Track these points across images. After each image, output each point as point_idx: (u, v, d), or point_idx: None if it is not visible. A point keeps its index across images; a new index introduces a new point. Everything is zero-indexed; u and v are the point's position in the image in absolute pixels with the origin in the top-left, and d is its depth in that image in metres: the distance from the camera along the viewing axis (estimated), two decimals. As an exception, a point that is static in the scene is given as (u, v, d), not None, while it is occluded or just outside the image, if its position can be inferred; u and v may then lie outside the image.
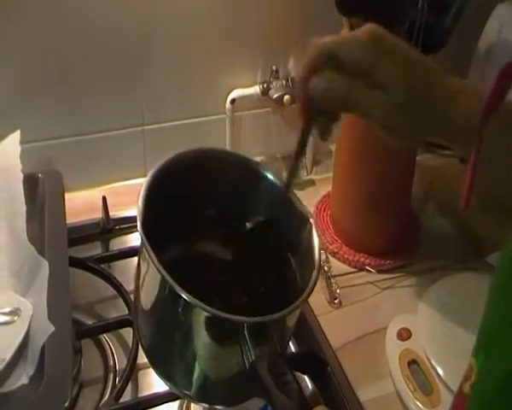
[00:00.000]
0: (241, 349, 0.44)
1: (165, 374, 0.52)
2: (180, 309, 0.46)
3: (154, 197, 0.50)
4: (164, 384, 0.63)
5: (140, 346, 0.54)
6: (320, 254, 0.51)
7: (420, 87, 0.45)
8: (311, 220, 0.53)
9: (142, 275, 0.51)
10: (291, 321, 0.51)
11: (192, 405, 0.61)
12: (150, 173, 0.52)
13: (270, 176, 0.56)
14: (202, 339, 0.47)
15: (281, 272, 0.56)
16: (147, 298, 0.51)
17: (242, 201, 0.57)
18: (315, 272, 0.49)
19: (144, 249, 0.46)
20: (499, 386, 0.31)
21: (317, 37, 0.48)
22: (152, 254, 0.45)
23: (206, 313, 0.44)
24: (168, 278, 0.44)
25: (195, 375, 0.50)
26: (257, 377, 0.43)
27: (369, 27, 0.46)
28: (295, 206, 0.55)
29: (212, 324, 0.45)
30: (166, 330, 0.50)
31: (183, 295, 0.44)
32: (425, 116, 0.46)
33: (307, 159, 0.95)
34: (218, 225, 0.58)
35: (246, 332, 0.44)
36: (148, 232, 0.47)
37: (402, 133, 0.47)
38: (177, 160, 0.54)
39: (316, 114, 0.49)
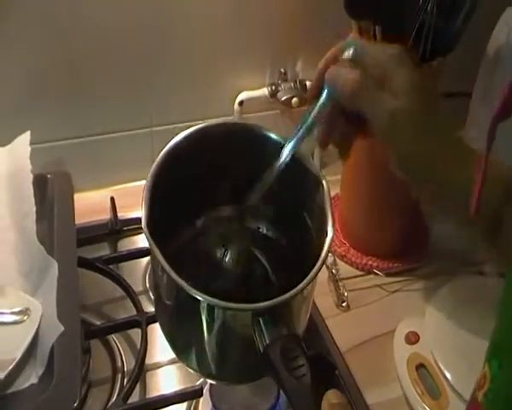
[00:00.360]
0: (255, 335, 0.44)
1: (183, 358, 0.53)
2: (192, 305, 0.46)
3: (161, 187, 0.50)
4: (172, 385, 0.64)
5: (163, 334, 0.54)
6: (333, 219, 0.50)
7: (432, 117, 0.46)
8: (324, 182, 0.52)
9: (155, 270, 0.51)
10: (305, 299, 0.50)
11: (200, 406, 0.62)
12: (153, 166, 0.52)
13: (275, 137, 0.56)
14: (217, 329, 0.47)
15: (299, 232, 0.56)
16: (163, 292, 0.51)
17: (253, 167, 0.55)
18: (326, 247, 0.48)
19: (152, 251, 0.46)
20: (511, 401, 0.31)
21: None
22: (161, 258, 0.45)
23: (217, 307, 0.45)
24: (176, 277, 0.44)
25: (212, 358, 0.50)
26: (269, 362, 0.43)
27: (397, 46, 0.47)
28: (307, 166, 0.54)
29: (224, 315, 0.46)
30: (183, 323, 0.50)
31: (196, 295, 0.44)
32: (426, 145, 0.46)
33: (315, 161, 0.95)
34: (232, 195, 0.58)
35: (259, 318, 0.44)
36: (155, 225, 0.47)
37: (402, 152, 0.47)
38: (183, 141, 0.54)
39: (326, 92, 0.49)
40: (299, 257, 0.56)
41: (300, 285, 0.45)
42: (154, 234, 0.47)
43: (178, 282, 0.44)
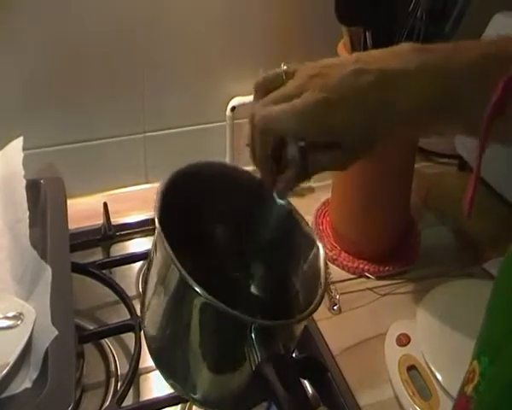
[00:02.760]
0: (247, 351, 0.45)
1: (170, 376, 0.52)
2: (188, 302, 0.46)
3: (168, 202, 0.51)
4: (165, 389, 0.64)
5: (147, 348, 0.54)
6: (326, 272, 0.52)
7: (363, 100, 0.44)
8: (320, 245, 0.53)
9: (151, 269, 0.51)
10: (298, 330, 0.51)
11: (194, 408, 0.62)
12: (168, 176, 0.52)
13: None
14: (209, 337, 0.47)
15: (283, 292, 0.57)
16: (155, 295, 0.51)
17: (252, 219, 0.57)
18: (320, 291, 0.50)
19: (159, 239, 0.46)
20: (505, 391, 0.32)
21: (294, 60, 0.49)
22: (167, 245, 0.45)
23: (214, 307, 0.45)
24: (181, 268, 0.44)
25: (201, 378, 0.50)
26: (263, 377, 0.43)
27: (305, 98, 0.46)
28: (302, 228, 0.55)
29: (220, 320, 0.46)
30: (174, 327, 0.50)
31: (196, 288, 0.44)
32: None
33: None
34: (225, 241, 0.59)
35: (253, 333, 0.45)
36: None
37: (370, 144, 0.47)
38: (194, 169, 0.55)
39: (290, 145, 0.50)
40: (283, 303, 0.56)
41: (301, 316, 0.47)
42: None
43: (180, 269, 0.44)
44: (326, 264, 0.52)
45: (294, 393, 0.43)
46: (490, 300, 0.36)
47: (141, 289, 0.76)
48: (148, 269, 0.53)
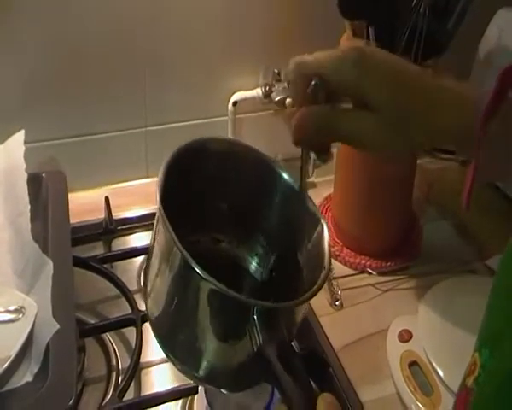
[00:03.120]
0: (249, 332, 0.44)
1: (173, 354, 0.52)
2: (191, 284, 0.46)
3: (171, 179, 0.49)
4: (166, 383, 0.64)
5: (149, 323, 0.53)
6: (330, 252, 0.50)
7: (408, 103, 0.44)
8: (324, 223, 0.53)
9: (154, 248, 0.50)
10: (300, 312, 0.50)
11: (194, 403, 0.62)
12: (171, 154, 0.50)
13: (285, 176, 0.56)
14: (211, 318, 0.47)
15: (288, 268, 0.56)
16: (159, 274, 0.50)
17: (257, 197, 0.56)
18: (324, 272, 0.48)
19: (161, 219, 0.45)
20: (503, 383, 0.32)
21: (297, 55, 0.47)
22: (169, 227, 0.44)
23: (217, 290, 0.44)
24: (183, 250, 0.44)
25: (203, 357, 0.49)
26: (265, 359, 0.43)
27: (353, 45, 0.46)
28: (307, 206, 0.54)
29: (222, 302, 0.45)
30: (177, 307, 0.49)
31: (199, 271, 0.43)
32: (416, 131, 0.45)
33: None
34: (229, 219, 0.58)
35: (255, 315, 0.44)
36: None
37: (395, 150, 0.46)
38: (201, 145, 0.54)
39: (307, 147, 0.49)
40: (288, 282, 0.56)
41: (302, 298, 0.46)
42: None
43: (185, 254, 0.43)
44: (330, 245, 0.51)
45: (296, 375, 0.43)
46: (491, 293, 0.36)
47: (142, 284, 0.76)
48: (152, 248, 0.52)
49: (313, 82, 0.46)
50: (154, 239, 0.51)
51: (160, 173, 0.48)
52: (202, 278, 0.43)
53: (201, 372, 0.51)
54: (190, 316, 0.48)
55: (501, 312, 0.34)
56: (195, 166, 0.53)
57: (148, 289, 0.53)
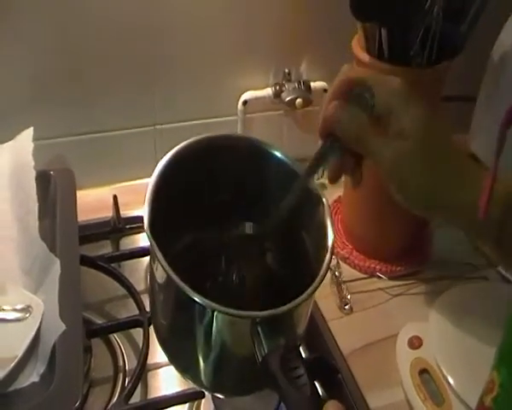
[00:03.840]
0: (254, 343, 0.44)
1: (179, 366, 0.53)
2: (190, 309, 0.46)
3: (164, 191, 0.50)
4: (173, 386, 0.63)
5: (156, 339, 0.54)
6: (333, 237, 0.50)
7: (436, 147, 0.45)
8: (325, 201, 0.53)
9: (154, 272, 0.51)
10: (304, 310, 0.50)
11: (201, 407, 0.61)
12: (157, 169, 0.52)
13: (279, 154, 0.56)
14: (214, 335, 0.47)
15: (296, 251, 0.55)
16: (160, 295, 0.51)
17: (255, 182, 0.57)
18: (327, 257, 0.48)
19: (153, 251, 0.46)
20: None
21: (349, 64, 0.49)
22: (161, 257, 0.45)
23: (216, 312, 0.44)
24: (177, 279, 0.44)
25: (209, 368, 0.50)
26: (269, 372, 0.43)
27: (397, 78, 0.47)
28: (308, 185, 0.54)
29: (223, 321, 0.46)
30: (180, 327, 0.50)
31: (195, 298, 0.43)
32: (433, 177, 0.45)
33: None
34: (232, 210, 0.58)
35: (258, 327, 0.44)
36: (157, 227, 0.47)
37: (409, 188, 0.46)
38: (185, 150, 0.54)
39: (330, 139, 0.49)
40: (295, 272, 0.56)
41: (300, 298, 0.45)
42: (155, 236, 0.47)
43: (178, 283, 0.44)
44: (332, 222, 0.51)
45: (300, 387, 0.42)
46: (509, 312, 0.35)
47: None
48: (151, 269, 0.52)
49: (359, 90, 0.47)
50: (152, 266, 0.51)
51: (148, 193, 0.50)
52: (198, 303, 0.44)
53: (203, 380, 0.51)
54: (191, 332, 0.48)
55: None
56: (189, 166, 0.54)
57: (154, 307, 0.53)
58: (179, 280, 0.44)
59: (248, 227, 0.60)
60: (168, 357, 0.53)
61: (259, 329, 0.44)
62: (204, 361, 0.49)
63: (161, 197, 0.50)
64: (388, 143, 0.45)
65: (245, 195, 0.57)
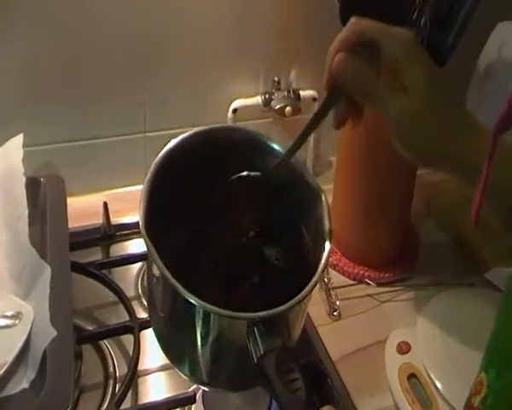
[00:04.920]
0: (250, 344, 0.44)
1: (175, 361, 0.53)
2: (187, 309, 0.46)
3: (160, 184, 0.50)
4: (164, 392, 0.64)
5: (153, 332, 0.54)
6: (331, 234, 0.50)
7: (441, 102, 0.46)
8: (323, 196, 0.52)
9: (151, 270, 0.51)
10: (300, 311, 0.50)
11: (193, 413, 0.61)
12: (152, 166, 0.51)
13: (276, 147, 0.55)
14: (210, 334, 0.47)
15: (296, 247, 0.55)
16: (157, 294, 0.51)
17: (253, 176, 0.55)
18: (324, 256, 0.48)
19: (149, 251, 0.46)
20: None
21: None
22: (157, 257, 0.45)
23: (211, 313, 0.44)
24: (173, 280, 0.44)
25: (205, 364, 0.50)
26: (264, 373, 0.43)
27: (408, 32, 0.46)
28: (306, 179, 0.54)
29: (219, 322, 0.46)
30: (176, 325, 0.50)
31: (190, 299, 0.44)
32: (439, 133, 0.46)
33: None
34: (229, 202, 0.57)
35: (254, 327, 0.44)
36: (152, 222, 0.47)
37: (413, 143, 0.46)
38: (181, 144, 0.54)
39: (336, 91, 0.48)
40: (293, 270, 0.56)
41: (298, 297, 0.45)
42: (151, 236, 0.46)
43: (175, 286, 0.44)
44: (330, 216, 0.51)
45: (294, 390, 0.42)
46: (498, 313, 0.36)
47: (140, 291, 0.76)
48: (148, 266, 0.52)
49: (366, 42, 0.46)
50: (149, 267, 0.51)
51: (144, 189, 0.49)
52: (194, 304, 0.44)
53: (202, 377, 0.51)
54: (188, 333, 0.48)
55: (508, 331, 0.34)
56: (187, 160, 0.53)
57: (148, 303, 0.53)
58: (175, 282, 0.44)
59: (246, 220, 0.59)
60: (164, 351, 0.53)
61: (255, 329, 0.44)
62: (200, 358, 0.49)
63: (157, 191, 0.50)
64: (394, 97, 0.45)
65: (242, 187, 0.56)
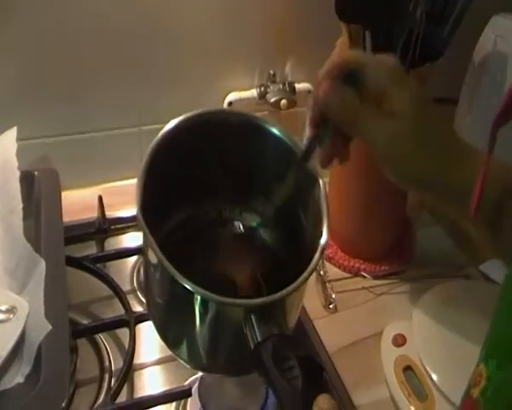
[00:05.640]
0: (246, 331, 0.44)
1: (172, 346, 0.52)
2: (183, 295, 0.45)
3: (157, 167, 0.49)
4: (159, 386, 0.64)
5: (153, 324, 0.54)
6: (328, 220, 0.49)
7: (429, 126, 0.46)
8: (321, 182, 0.51)
9: (147, 256, 0.50)
10: (297, 298, 0.50)
11: (188, 406, 0.61)
12: (148, 150, 0.50)
13: (276, 131, 0.54)
14: (207, 321, 0.47)
15: (294, 233, 0.55)
16: (154, 280, 0.51)
17: (251, 158, 0.56)
18: (321, 244, 0.48)
19: (145, 237, 0.45)
20: None
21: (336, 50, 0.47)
22: (153, 243, 0.44)
23: (209, 300, 0.44)
24: (169, 265, 0.43)
25: (202, 349, 0.50)
26: (260, 361, 0.43)
27: (392, 58, 0.47)
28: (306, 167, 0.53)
29: (216, 308, 0.45)
30: (173, 311, 0.50)
31: (188, 286, 0.43)
32: (428, 158, 0.45)
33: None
34: (227, 187, 0.57)
35: (251, 314, 0.44)
36: (148, 207, 0.46)
37: (403, 169, 0.46)
38: (176, 129, 0.52)
39: (322, 122, 0.48)
40: (291, 256, 0.55)
41: (295, 284, 0.45)
42: (147, 221, 0.46)
43: (172, 272, 0.43)
44: (327, 204, 0.50)
45: (291, 379, 0.42)
46: (497, 303, 0.36)
47: (135, 284, 0.75)
48: (144, 251, 0.51)
49: (351, 70, 0.47)
50: (145, 253, 0.50)
51: (141, 171, 0.48)
52: (197, 293, 0.43)
53: (199, 362, 0.51)
54: (185, 319, 0.48)
55: (510, 323, 0.33)
56: (180, 148, 0.52)
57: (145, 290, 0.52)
58: (172, 268, 0.43)
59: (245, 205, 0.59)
60: (161, 337, 0.53)
61: (252, 316, 0.44)
62: (198, 344, 0.49)
63: (154, 174, 0.49)
64: (381, 124, 0.45)
65: (240, 171, 0.56)
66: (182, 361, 0.52)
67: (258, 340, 0.43)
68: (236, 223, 0.59)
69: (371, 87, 0.46)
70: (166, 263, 0.44)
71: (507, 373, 0.32)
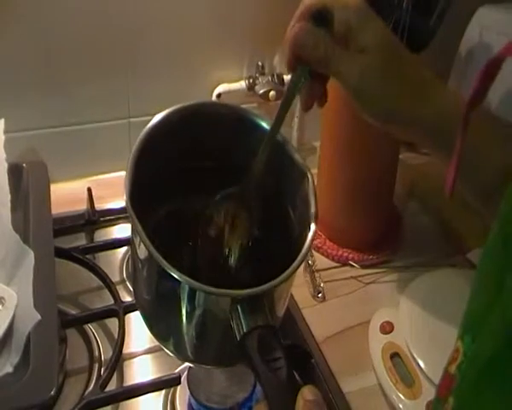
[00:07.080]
0: (233, 321, 0.44)
1: (160, 337, 0.53)
2: (171, 285, 0.45)
3: (146, 158, 0.49)
4: (149, 374, 0.64)
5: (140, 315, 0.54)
6: (316, 214, 0.50)
7: (398, 59, 0.47)
8: (309, 175, 0.52)
9: (135, 245, 0.50)
10: (284, 290, 0.50)
11: (177, 394, 0.62)
12: (138, 140, 0.50)
13: (264, 124, 0.54)
14: (195, 311, 0.47)
15: (282, 225, 0.55)
16: (142, 269, 0.50)
17: (239, 150, 0.55)
18: (309, 236, 0.48)
19: (133, 225, 0.45)
20: (484, 370, 0.32)
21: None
22: (141, 231, 0.44)
23: (195, 289, 0.44)
24: (156, 254, 0.43)
25: (189, 340, 0.50)
26: (246, 352, 0.43)
27: None
28: (294, 158, 0.53)
29: (203, 298, 0.45)
30: (160, 300, 0.50)
31: (175, 275, 0.43)
32: (400, 90, 0.47)
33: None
34: (216, 178, 0.56)
35: (237, 305, 0.44)
36: (137, 196, 0.46)
37: (376, 103, 0.47)
38: (165, 120, 0.52)
39: (298, 65, 0.49)
40: (279, 249, 0.55)
41: (282, 276, 0.45)
42: (136, 210, 0.46)
43: (160, 261, 0.43)
44: (316, 197, 0.51)
45: (276, 370, 0.42)
46: (474, 280, 0.36)
47: (125, 275, 0.76)
48: (132, 241, 0.52)
49: (319, 11, 0.48)
50: (133, 242, 0.50)
51: (130, 162, 0.48)
52: (183, 282, 0.43)
53: (187, 353, 0.51)
54: (171, 308, 0.48)
55: (482, 295, 0.34)
56: (169, 140, 0.53)
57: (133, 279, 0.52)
58: (159, 256, 0.43)
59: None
60: (148, 327, 0.53)
61: (239, 307, 0.44)
62: (185, 334, 0.49)
63: (143, 165, 0.49)
64: (353, 60, 0.47)
65: (230, 163, 0.56)
66: (169, 352, 0.53)
67: (245, 331, 0.43)
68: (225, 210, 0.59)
69: (338, 25, 0.47)
70: (154, 252, 0.44)
71: (479, 345, 0.33)
